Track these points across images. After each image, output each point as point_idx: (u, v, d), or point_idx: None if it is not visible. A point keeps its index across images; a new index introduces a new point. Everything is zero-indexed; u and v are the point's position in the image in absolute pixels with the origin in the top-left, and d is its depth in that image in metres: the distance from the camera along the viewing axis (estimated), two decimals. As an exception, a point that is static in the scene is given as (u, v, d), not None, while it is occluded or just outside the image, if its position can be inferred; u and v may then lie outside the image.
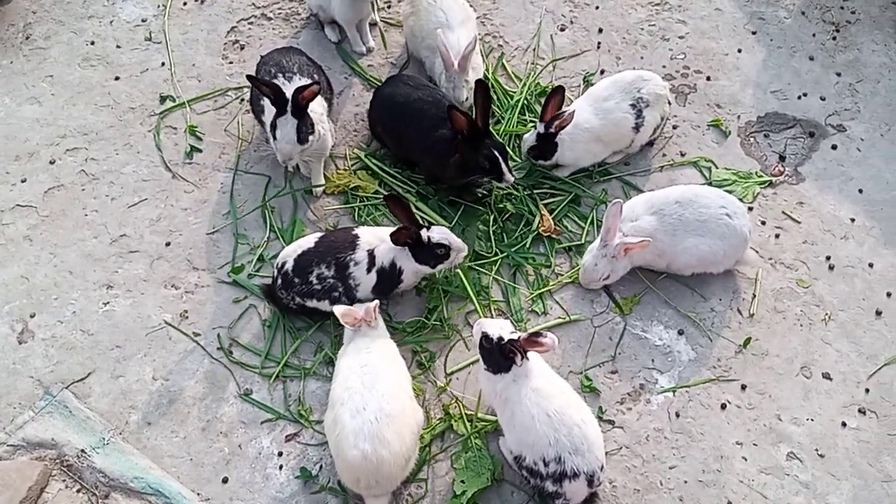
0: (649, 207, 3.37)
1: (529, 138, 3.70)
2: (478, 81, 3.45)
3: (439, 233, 3.27)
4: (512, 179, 3.53)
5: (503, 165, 3.47)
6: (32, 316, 3.54)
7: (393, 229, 3.24)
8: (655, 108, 3.75)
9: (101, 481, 3.14)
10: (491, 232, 3.65)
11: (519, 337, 2.87)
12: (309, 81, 3.65)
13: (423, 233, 3.22)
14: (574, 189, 3.78)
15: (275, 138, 3.49)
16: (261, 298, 3.53)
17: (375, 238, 3.34)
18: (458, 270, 3.46)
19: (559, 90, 3.56)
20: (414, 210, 3.41)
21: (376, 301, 3.17)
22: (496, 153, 3.46)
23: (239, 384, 3.37)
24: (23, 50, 4.33)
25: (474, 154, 3.45)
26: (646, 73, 3.77)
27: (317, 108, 3.60)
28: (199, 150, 3.98)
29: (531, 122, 3.95)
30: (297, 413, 3.28)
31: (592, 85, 3.93)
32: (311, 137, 3.49)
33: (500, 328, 2.94)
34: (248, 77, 3.47)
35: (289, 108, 3.41)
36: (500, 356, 2.90)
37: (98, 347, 3.46)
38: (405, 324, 3.45)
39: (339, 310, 3.10)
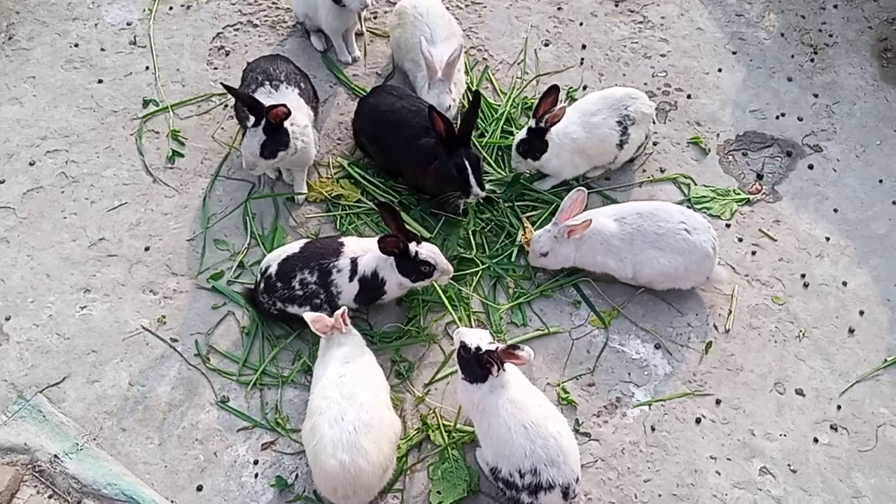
0: (612, 214, 3.47)
1: (520, 134, 3.73)
2: (475, 91, 3.52)
3: (428, 250, 3.28)
4: (480, 194, 3.53)
5: (471, 177, 3.48)
6: (7, 319, 3.50)
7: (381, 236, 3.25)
8: (641, 126, 3.80)
9: (74, 487, 3.11)
10: (473, 243, 3.67)
11: (497, 348, 2.89)
12: (295, 91, 3.66)
13: (412, 246, 3.24)
14: (555, 201, 3.80)
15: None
16: (240, 305, 3.53)
17: (360, 248, 3.35)
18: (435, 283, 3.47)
19: (554, 89, 3.58)
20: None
21: (344, 307, 3.17)
22: (466, 163, 3.47)
23: (216, 391, 3.35)
24: (5, 50, 4.31)
25: (447, 161, 3.48)
26: (634, 91, 3.81)
27: (301, 119, 3.60)
28: (182, 155, 3.97)
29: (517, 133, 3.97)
30: (274, 421, 3.27)
31: (575, 100, 3.97)
32: (280, 153, 3.49)
33: (479, 338, 2.96)
34: (224, 86, 3.50)
35: (262, 123, 3.41)
36: (476, 366, 2.91)
37: (74, 352, 3.44)
38: (382, 333, 3.46)
39: (309, 316, 3.10)
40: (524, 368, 3.11)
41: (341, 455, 2.81)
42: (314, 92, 3.89)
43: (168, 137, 4.02)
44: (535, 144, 3.69)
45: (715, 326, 3.55)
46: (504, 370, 2.92)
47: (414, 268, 3.27)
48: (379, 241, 3.19)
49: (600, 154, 3.81)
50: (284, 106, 3.38)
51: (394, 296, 3.42)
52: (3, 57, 4.28)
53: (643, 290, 3.59)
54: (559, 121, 3.63)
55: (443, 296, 3.50)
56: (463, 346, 2.96)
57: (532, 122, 3.66)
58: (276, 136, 3.45)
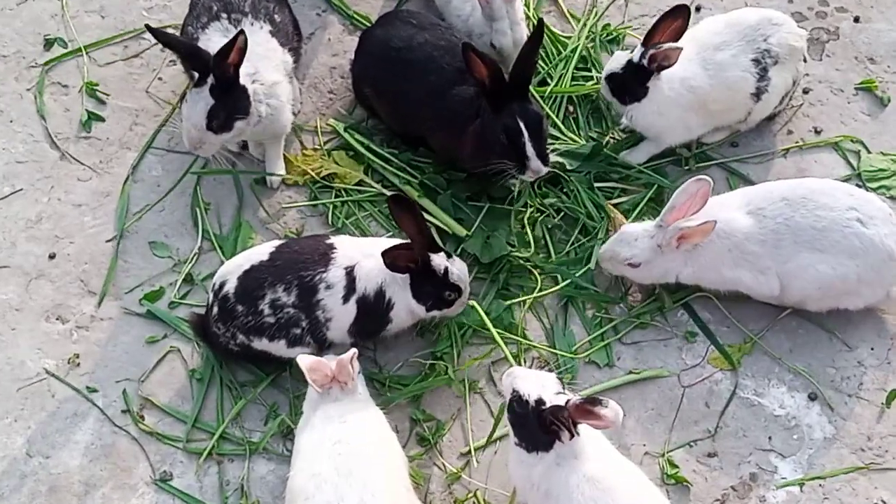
0: (745, 204, 3.44)
1: (614, 61, 3.74)
2: (539, 20, 3.58)
3: (460, 270, 3.34)
4: (542, 170, 3.55)
5: (528, 144, 3.50)
6: None
7: (387, 243, 3.29)
8: (787, 66, 3.80)
9: None
10: (531, 242, 3.71)
11: (567, 402, 2.90)
12: (266, 27, 3.72)
13: (438, 260, 3.29)
14: (655, 181, 3.82)
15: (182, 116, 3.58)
16: (187, 338, 3.60)
17: (359, 252, 3.39)
18: (473, 302, 3.50)
19: (682, 9, 3.58)
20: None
21: (354, 350, 3.18)
22: (521, 124, 3.49)
23: (153, 464, 3.40)
24: None
25: (493, 121, 3.52)
26: (775, 15, 3.81)
27: (269, 73, 3.66)
28: (102, 119, 4.07)
29: (597, 80, 3.99)
30: (239, 509, 3.33)
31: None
32: (237, 123, 3.56)
33: (541, 386, 2.96)
34: (149, 28, 3.58)
35: (208, 81, 3.47)
36: (537, 427, 2.93)
37: (-53, 407, 3.53)
38: (393, 377, 3.50)
39: (304, 362, 3.11)
40: (609, 431, 3.12)
41: (338, 560, 2.85)
42: (295, 26, 3.95)
43: (82, 93, 4.12)
44: (630, 86, 3.72)
45: (901, 366, 3.55)
46: (578, 434, 2.94)
47: (435, 291, 3.33)
48: (384, 255, 3.22)
49: (727, 109, 3.84)
50: (242, 34, 3.38)
51: (400, 327, 3.47)
52: None
53: (791, 312, 3.59)
54: (672, 64, 3.64)
55: (487, 320, 3.52)
56: (517, 397, 2.97)
57: (636, 54, 3.67)
58: (229, 100, 3.51)
